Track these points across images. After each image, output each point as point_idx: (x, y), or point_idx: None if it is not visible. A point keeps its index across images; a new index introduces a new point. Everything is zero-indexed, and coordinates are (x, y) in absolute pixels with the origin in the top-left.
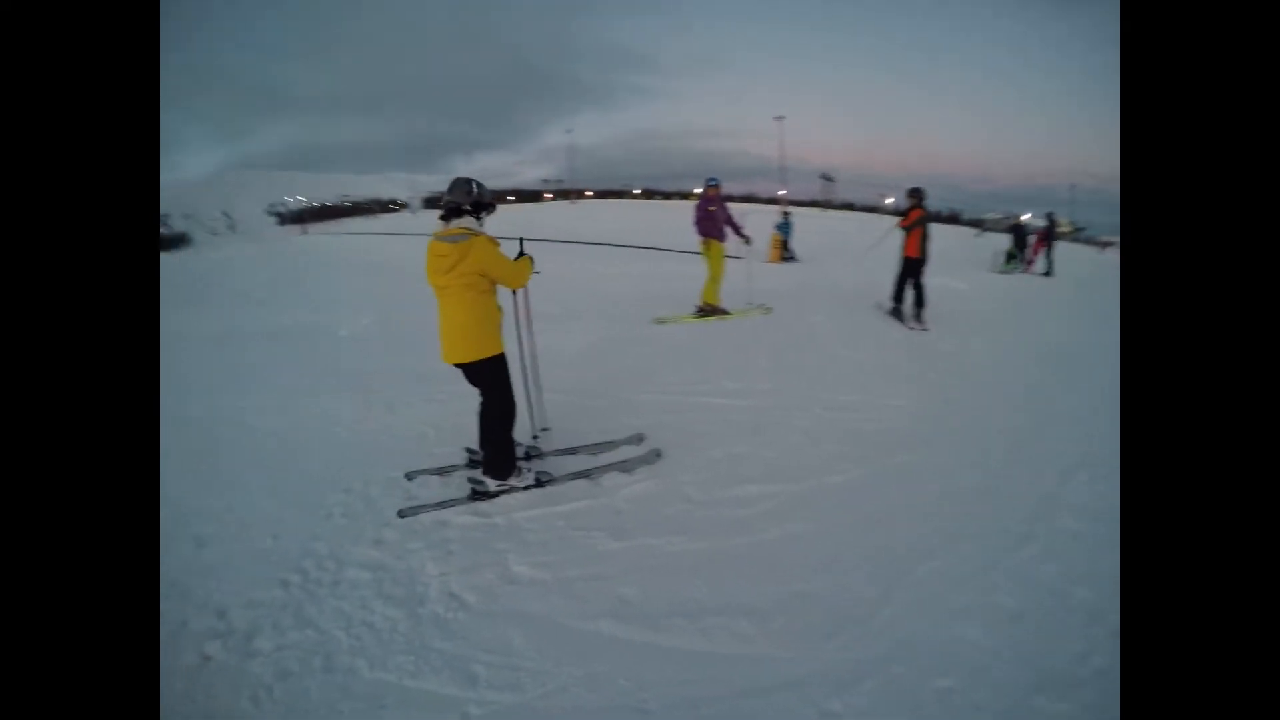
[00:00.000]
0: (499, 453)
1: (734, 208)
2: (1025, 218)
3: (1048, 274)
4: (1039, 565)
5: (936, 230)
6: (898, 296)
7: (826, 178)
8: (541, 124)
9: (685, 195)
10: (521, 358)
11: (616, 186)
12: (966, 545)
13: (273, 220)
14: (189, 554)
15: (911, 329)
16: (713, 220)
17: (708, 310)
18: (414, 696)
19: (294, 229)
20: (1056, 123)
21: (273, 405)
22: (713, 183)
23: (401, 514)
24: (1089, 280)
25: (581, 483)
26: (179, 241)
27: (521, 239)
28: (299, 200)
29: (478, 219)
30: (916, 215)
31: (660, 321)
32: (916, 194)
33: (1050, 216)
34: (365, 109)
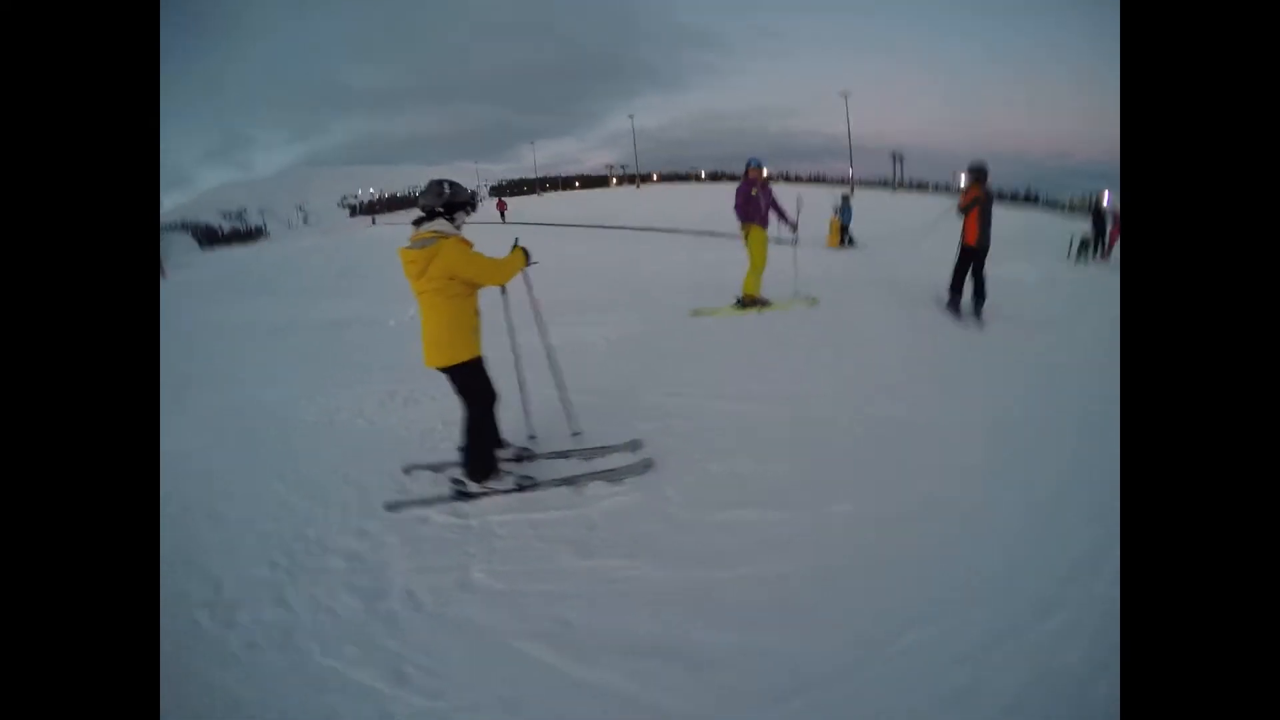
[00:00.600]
0: (476, 455)
1: (783, 190)
2: (1107, 198)
3: None
4: (1059, 646)
5: (1009, 213)
6: (955, 288)
7: (897, 156)
8: (606, 109)
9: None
10: (515, 358)
11: (683, 170)
12: (978, 611)
13: (345, 212)
14: (203, 530)
15: (967, 326)
16: (755, 205)
17: (748, 301)
18: (350, 686)
19: (364, 220)
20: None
21: (308, 395)
22: (754, 163)
23: (388, 507)
24: None
25: (564, 490)
26: (256, 234)
27: (523, 236)
28: (369, 192)
29: (451, 220)
30: (973, 195)
31: (697, 314)
32: (975, 171)
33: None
34: (432, 101)
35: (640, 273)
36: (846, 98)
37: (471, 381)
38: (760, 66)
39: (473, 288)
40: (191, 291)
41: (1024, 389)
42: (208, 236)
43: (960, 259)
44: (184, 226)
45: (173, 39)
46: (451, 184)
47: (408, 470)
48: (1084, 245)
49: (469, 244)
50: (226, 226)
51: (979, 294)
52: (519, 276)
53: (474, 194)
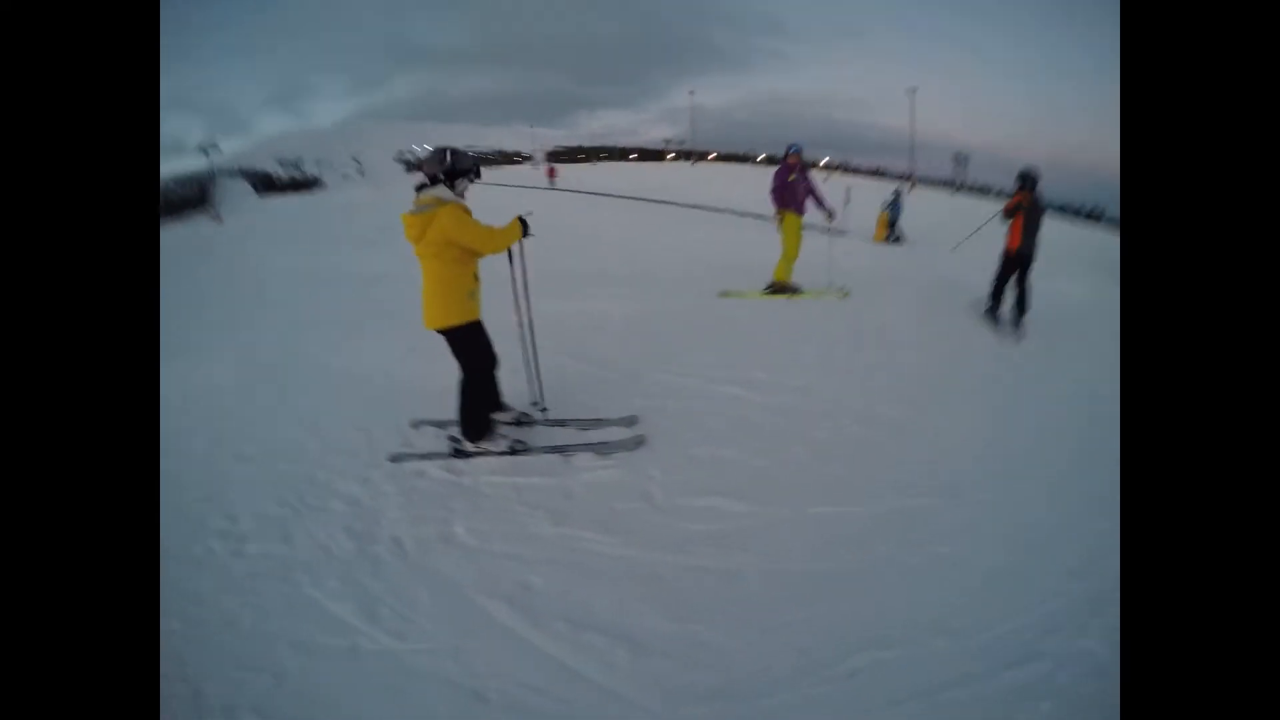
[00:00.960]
0: (469, 416)
1: (838, 181)
2: None
3: None
4: (1027, 699)
5: (1071, 228)
6: (995, 296)
7: (960, 157)
8: (669, 84)
9: (810, 165)
10: (520, 325)
11: (740, 150)
12: (943, 642)
13: (400, 167)
14: (228, 467)
15: (1003, 337)
16: (791, 191)
17: (778, 288)
18: (328, 618)
19: (418, 176)
20: None
21: (339, 344)
22: (794, 149)
23: (391, 458)
24: None
25: (554, 458)
26: (312, 184)
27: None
28: (425, 149)
29: (452, 187)
30: (1017, 200)
31: (726, 295)
32: (1024, 177)
33: None
34: (494, 61)
35: (679, 249)
36: (913, 94)
37: (465, 345)
38: (829, 56)
39: (469, 254)
40: (243, 237)
41: (1046, 412)
42: (264, 183)
43: (1002, 266)
44: (241, 172)
45: None
46: (454, 151)
47: (415, 425)
48: None
49: (467, 211)
50: (283, 175)
51: (1021, 304)
52: (515, 246)
53: (477, 162)
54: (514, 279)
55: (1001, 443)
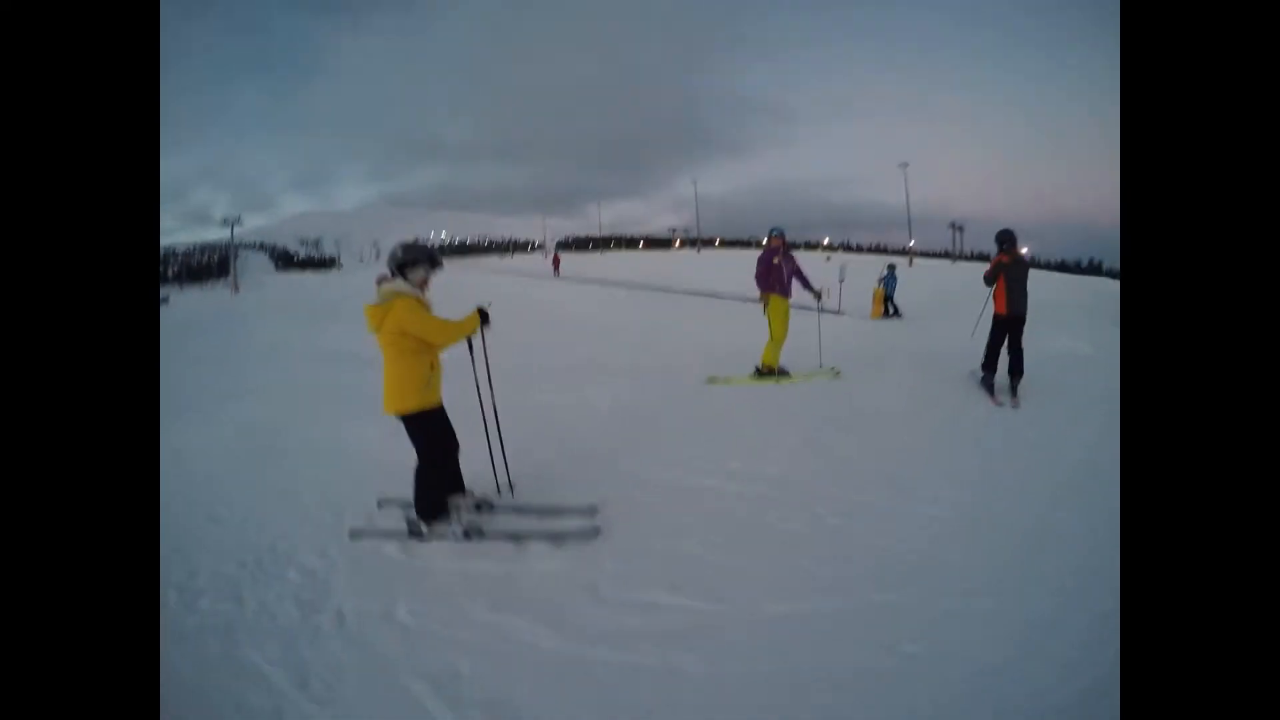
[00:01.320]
0: (424, 498)
1: (837, 259)
2: None
3: None
4: None
5: (1063, 282)
6: (989, 362)
7: (956, 226)
8: (675, 173)
9: (812, 245)
10: (483, 411)
11: (744, 235)
12: None
13: None
14: (199, 526)
15: (999, 404)
16: (777, 273)
17: (766, 371)
18: (261, 680)
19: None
20: None
21: (329, 420)
22: (776, 233)
23: (351, 535)
24: None
25: (508, 545)
26: (329, 263)
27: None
28: (440, 236)
29: (407, 279)
30: (997, 262)
31: (713, 381)
32: (1001, 239)
33: None
34: (510, 155)
35: (674, 336)
36: (905, 168)
37: (418, 432)
38: (827, 136)
39: (425, 344)
40: (256, 308)
41: (1043, 489)
42: (283, 259)
43: (993, 330)
44: (262, 247)
45: (266, 72)
46: (405, 246)
47: (381, 503)
48: None
49: (422, 304)
50: (302, 252)
51: (1015, 368)
52: (480, 337)
53: (433, 253)
54: (475, 368)
55: (993, 525)
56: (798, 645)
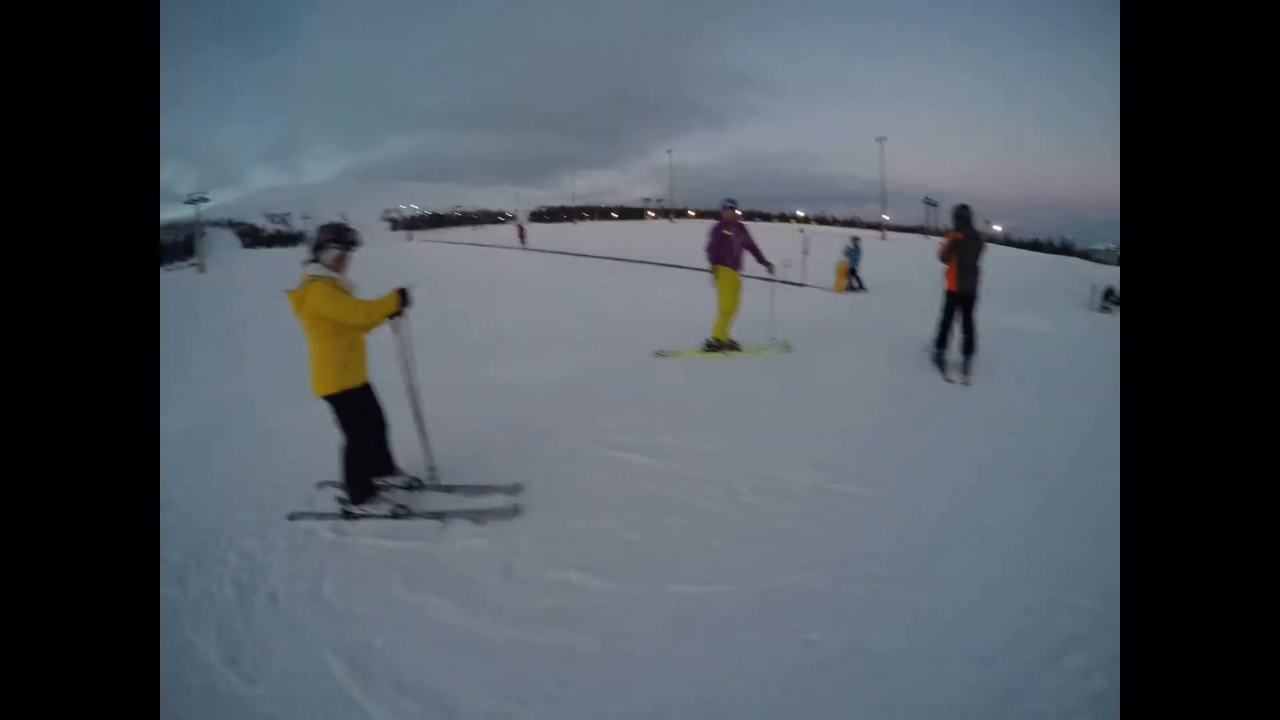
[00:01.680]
0: (351, 479)
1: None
2: None
3: None
4: None
5: (1033, 260)
6: (940, 339)
7: (929, 202)
8: (652, 142)
9: (786, 218)
10: (410, 393)
11: (719, 207)
12: None
13: (386, 226)
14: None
15: (949, 381)
16: (728, 246)
17: (716, 345)
18: (199, 659)
19: (402, 235)
20: None
21: (287, 403)
22: (729, 204)
23: (289, 517)
24: None
25: (432, 523)
26: (297, 239)
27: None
28: (411, 208)
29: (322, 261)
30: (952, 239)
31: (662, 355)
32: (957, 215)
33: None
34: (482, 123)
35: (637, 307)
36: (882, 142)
37: (340, 413)
38: (805, 109)
39: (343, 326)
40: (223, 288)
41: (980, 473)
42: (250, 236)
43: (945, 307)
44: (230, 224)
45: (235, 40)
46: (321, 228)
47: (319, 486)
48: (1108, 293)
49: (338, 286)
50: (270, 228)
51: (968, 346)
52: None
53: (348, 234)
54: (399, 345)
55: (918, 509)
56: (695, 628)
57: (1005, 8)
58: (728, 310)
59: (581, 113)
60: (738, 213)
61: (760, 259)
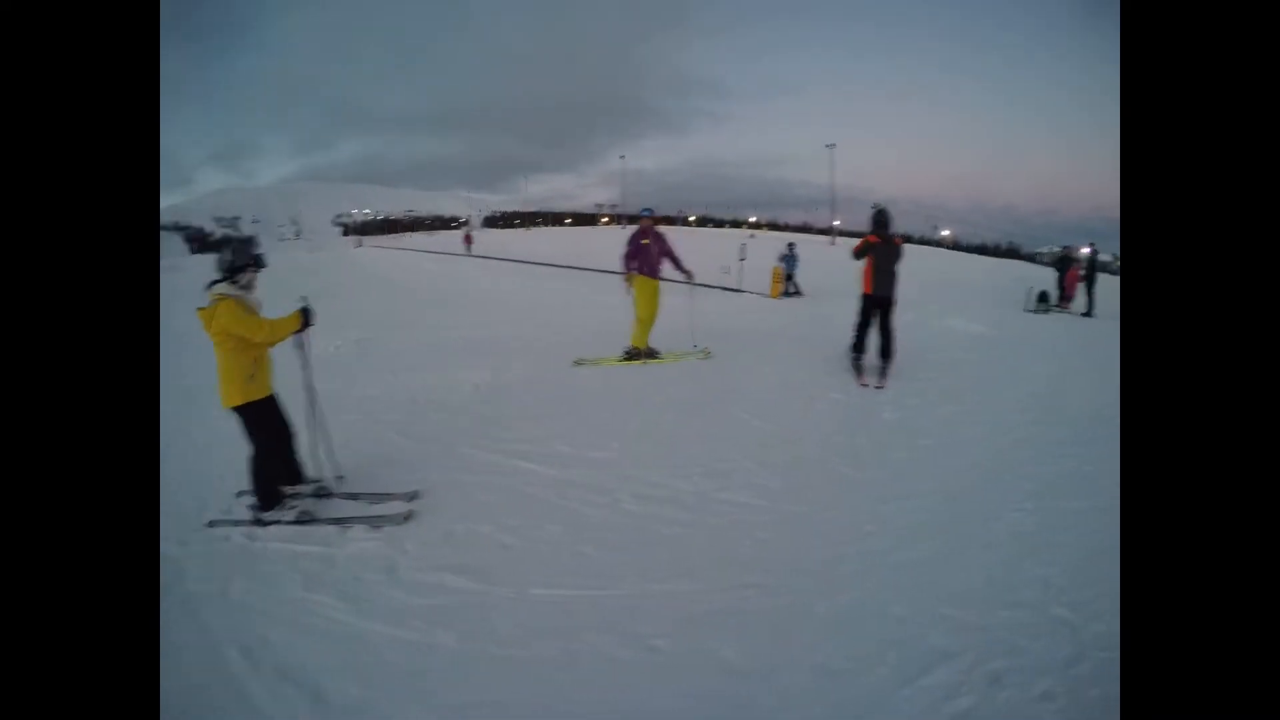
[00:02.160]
0: (258, 487)
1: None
2: (1084, 250)
3: (1088, 314)
4: None
5: (978, 264)
6: (857, 344)
7: (880, 208)
8: (608, 148)
9: (737, 224)
10: (308, 403)
11: (673, 212)
12: None
13: (337, 230)
14: None
15: (865, 386)
16: (645, 254)
17: (634, 353)
18: None
19: (353, 240)
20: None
21: (214, 410)
22: (646, 213)
23: (208, 524)
24: None
25: (333, 529)
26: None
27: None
28: (364, 212)
29: (234, 282)
30: (865, 242)
31: (579, 363)
32: (875, 217)
33: (1093, 248)
34: (438, 128)
35: (571, 315)
36: (832, 149)
37: (247, 424)
38: (763, 116)
39: (247, 342)
40: (169, 295)
41: (875, 479)
42: (199, 240)
43: (861, 310)
44: (178, 228)
45: (188, 40)
46: (234, 249)
47: (238, 494)
48: (1042, 296)
49: (244, 304)
50: (219, 232)
51: (885, 350)
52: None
53: (256, 256)
54: (302, 359)
55: (802, 518)
56: (548, 630)
57: (964, 18)
58: (645, 319)
59: (537, 116)
60: (653, 222)
61: (679, 267)
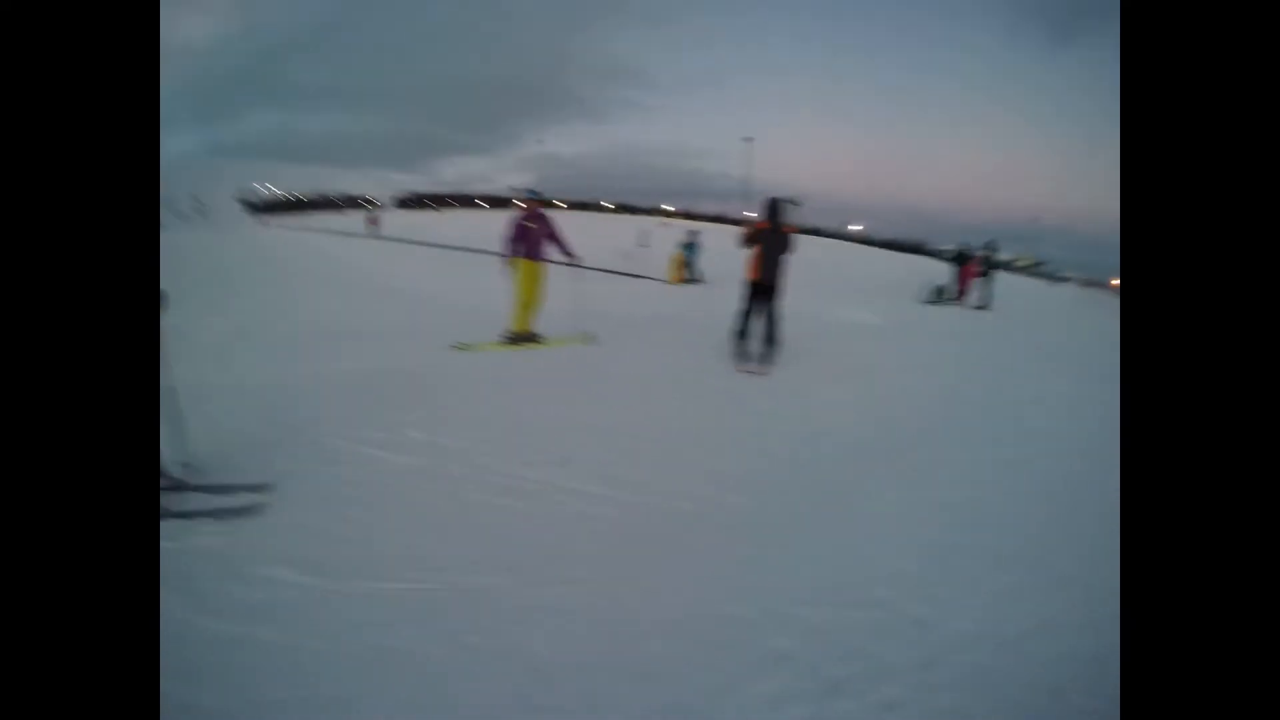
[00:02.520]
0: None
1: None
2: (974, 248)
3: (982, 307)
4: None
5: (884, 258)
6: (740, 331)
7: (792, 201)
8: (525, 130)
9: (652, 212)
10: (166, 395)
11: (590, 199)
12: None
13: (243, 209)
14: None
15: (744, 372)
16: (528, 238)
17: (515, 337)
18: None
19: (258, 220)
20: (1025, 155)
21: None
22: (530, 194)
23: None
24: (1028, 314)
25: (180, 522)
26: None
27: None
28: (270, 190)
29: None
30: (754, 229)
31: (461, 348)
32: (768, 205)
33: (988, 245)
34: (352, 103)
35: (461, 299)
36: (750, 142)
37: None
38: (685, 105)
39: None
40: None
41: (732, 468)
42: None
43: (745, 296)
44: None
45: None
46: None
47: None
48: (939, 290)
49: None
50: None
51: (769, 336)
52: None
53: None
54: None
55: (647, 508)
56: (366, 622)
57: (886, 15)
58: (526, 302)
59: (459, 96)
60: (538, 205)
61: (563, 250)
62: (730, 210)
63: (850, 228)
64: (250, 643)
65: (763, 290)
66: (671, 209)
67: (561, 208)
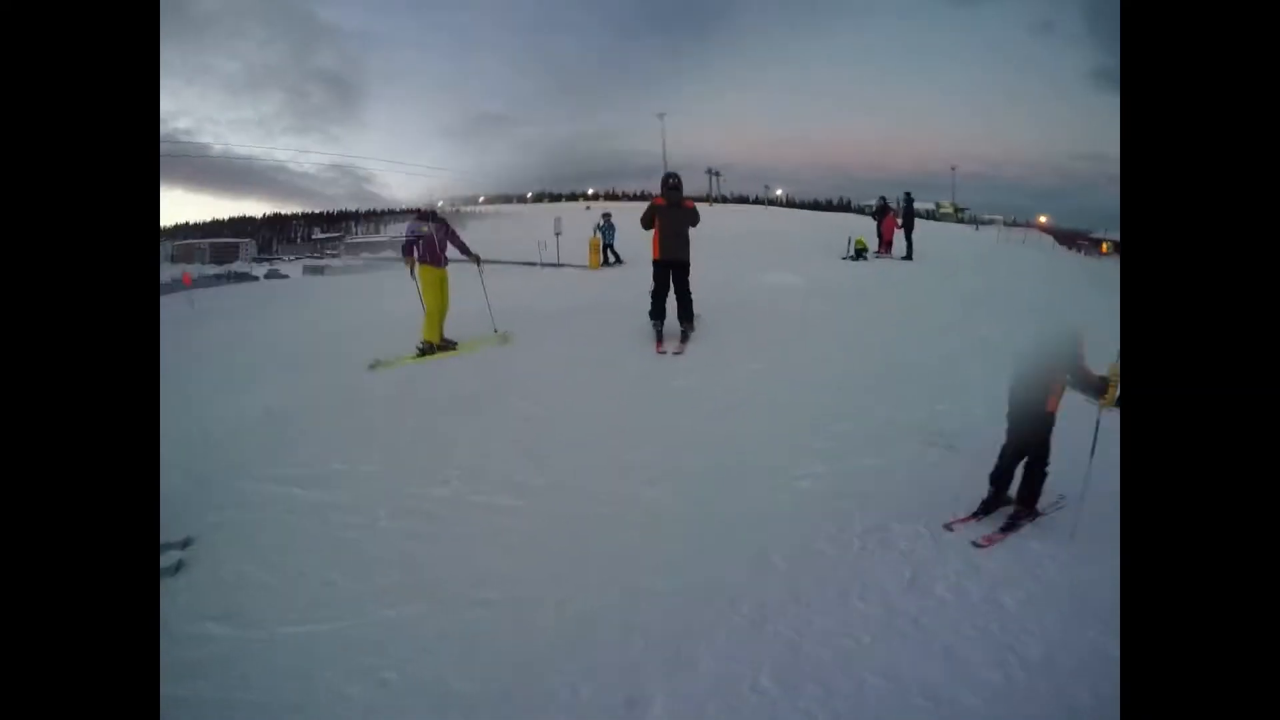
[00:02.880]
0: None
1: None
2: (894, 201)
3: (907, 257)
4: None
5: (809, 219)
6: (654, 311)
7: (712, 172)
8: None
9: (574, 197)
10: None
11: (511, 192)
12: None
13: None
14: None
15: (662, 353)
16: (428, 244)
17: (429, 348)
18: None
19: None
20: (941, 107)
21: None
22: (426, 203)
23: None
24: (954, 261)
25: None
26: None
27: None
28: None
29: None
30: (650, 207)
31: (376, 366)
32: (664, 182)
33: (907, 196)
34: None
35: (372, 313)
36: (663, 118)
37: None
38: (594, 91)
39: None
40: None
41: (649, 463)
42: None
43: (655, 276)
44: None
45: None
46: None
47: None
48: (860, 244)
49: None
50: None
51: (682, 314)
52: None
53: None
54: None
55: (553, 518)
56: (290, 669)
57: None
58: (433, 310)
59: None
60: (435, 209)
61: (465, 251)
62: (653, 187)
63: (774, 193)
64: (191, 702)
65: (670, 268)
66: (591, 191)
67: (479, 200)
